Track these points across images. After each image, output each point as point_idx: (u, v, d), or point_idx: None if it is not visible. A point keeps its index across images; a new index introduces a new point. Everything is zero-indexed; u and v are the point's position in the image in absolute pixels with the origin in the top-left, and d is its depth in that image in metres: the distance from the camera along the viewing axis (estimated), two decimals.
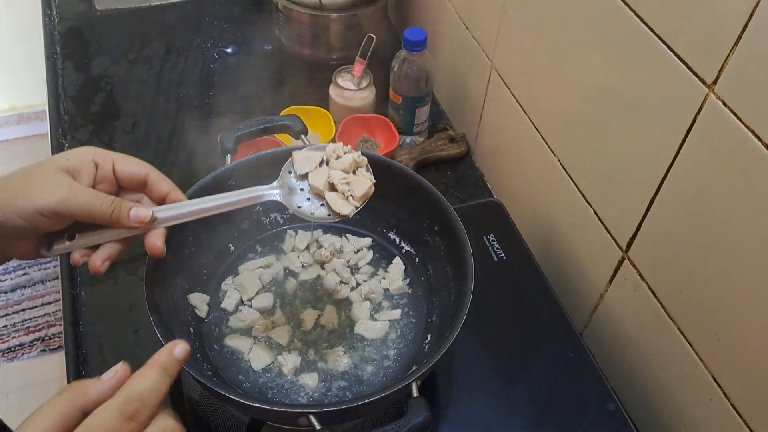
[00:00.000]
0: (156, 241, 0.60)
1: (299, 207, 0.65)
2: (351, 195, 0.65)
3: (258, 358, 0.73)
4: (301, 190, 0.66)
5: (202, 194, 0.74)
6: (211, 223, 0.78)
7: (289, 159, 0.68)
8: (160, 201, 0.62)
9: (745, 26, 0.53)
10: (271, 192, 0.65)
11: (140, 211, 0.58)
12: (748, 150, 0.55)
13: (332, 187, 0.66)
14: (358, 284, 0.81)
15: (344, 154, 0.68)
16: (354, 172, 0.68)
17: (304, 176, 0.67)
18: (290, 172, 0.67)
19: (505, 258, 0.87)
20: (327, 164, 0.68)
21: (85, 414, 0.44)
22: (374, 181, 0.67)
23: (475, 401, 0.74)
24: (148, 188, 0.62)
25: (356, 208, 0.65)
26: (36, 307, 1.89)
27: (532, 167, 0.93)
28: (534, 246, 0.90)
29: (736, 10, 0.53)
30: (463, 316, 0.64)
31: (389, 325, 0.77)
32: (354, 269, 0.82)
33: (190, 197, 0.74)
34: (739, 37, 0.53)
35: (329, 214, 0.65)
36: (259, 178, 0.74)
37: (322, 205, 0.65)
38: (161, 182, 0.62)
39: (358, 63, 1.08)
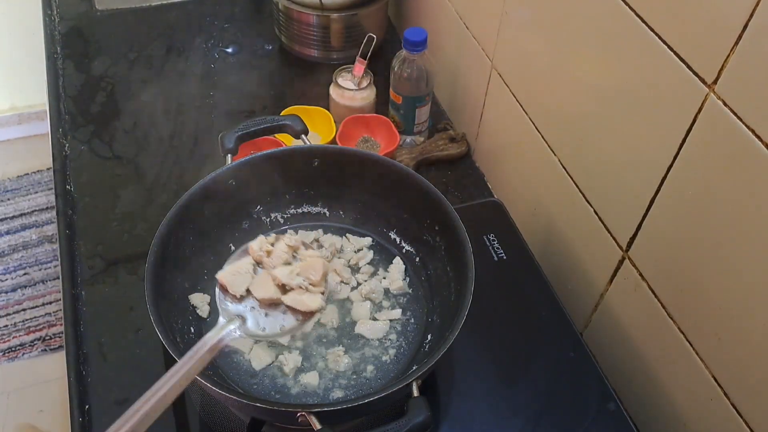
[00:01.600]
0: None
1: (264, 329, 0.57)
2: (310, 284, 0.57)
3: (258, 357, 0.73)
4: (252, 308, 0.58)
5: (203, 193, 0.74)
6: (211, 223, 0.78)
7: (217, 285, 0.59)
8: None
9: (745, 26, 0.53)
10: (226, 333, 0.55)
11: None
12: (748, 150, 0.55)
13: (284, 289, 0.57)
14: (359, 284, 0.81)
15: (273, 245, 0.60)
16: (294, 256, 0.60)
17: (245, 294, 0.58)
18: (227, 299, 0.59)
19: (505, 258, 0.87)
20: (259, 265, 0.59)
21: None
22: (321, 255, 0.59)
23: (475, 401, 0.74)
24: None
25: (323, 293, 0.58)
26: (37, 306, 1.89)
27: (533, 167, 0.93)
28: (534, 246, 0.90)
29: (736, 10, 0.53)
30: (464, 316, 0.64)
31: (389, 325, 0.77)
32: (354, 269, 0.82)
33: (190, 197, 0.74)
34: (739, 37, 0.53)
35: (299, 317, 0.57)
36: (260, 180, 0.73)
37: (285, 312, 0.58)
38: None
39: (359, 63, 1.08)
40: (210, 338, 0.55)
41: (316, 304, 0.57)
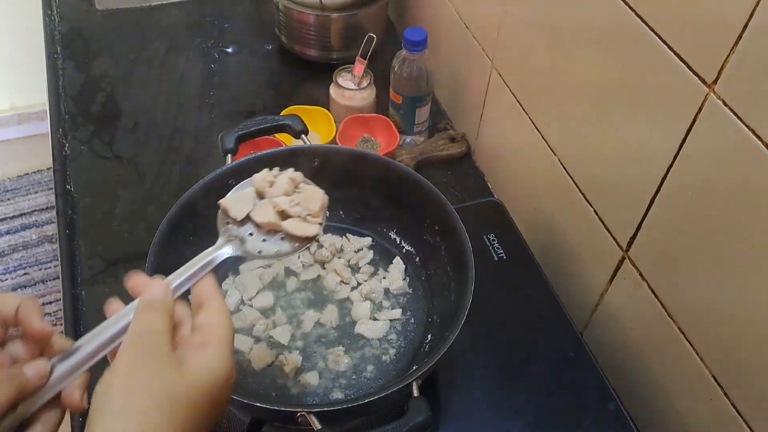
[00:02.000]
0: (74, 394, 0.48)
1: (260, 252, 0.59)
2: (308, 213, 0.59)
3: (258, 357, 0.73)
4: (251, 234, 0.59)
5: (203, 193, 0.74)
6: (212, 223, 0.78)
7: (220, 210, 0.61)
8: (39, 343, 0.49)
9: (745, 26, 0.53)
10: (223, 251, 0.56)
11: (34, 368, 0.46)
12: (748, 150, 0.55)
13: (284, 215, 0.59)
14: (359, 284, 0.81)
15: (276, 177, 0.62)
16: (296, 190, 0.62)
17: (245, 219, 0.60)
18: (228, 223, 0.60)
19: (505, 258, 0.87)
20: (262, 197, 0.61)
21: None
22: (322, 190, 0.61)
23: (475, 401, 0.74)
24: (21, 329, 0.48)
25: (321, 224, 0.60)
26: None
27: (533, 167, 0.93)
28: (534, 246, 0.90)
29: (736, 10, 0.53)
30: (464, 316, 0.64)
31: (389, 325, 0.77)
32: (354, 269, 0.82)
33: (190, 197, 0.74)
34: (739, 37, 0.53)
35: (295, 244, 0.59)
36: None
37: (282, 238, 0.59)
38: (33, 318, 0.47)
39: (359, 63, 1.08)
40: (207, 254, 0.56)
41: (313, 231, 0.58)
